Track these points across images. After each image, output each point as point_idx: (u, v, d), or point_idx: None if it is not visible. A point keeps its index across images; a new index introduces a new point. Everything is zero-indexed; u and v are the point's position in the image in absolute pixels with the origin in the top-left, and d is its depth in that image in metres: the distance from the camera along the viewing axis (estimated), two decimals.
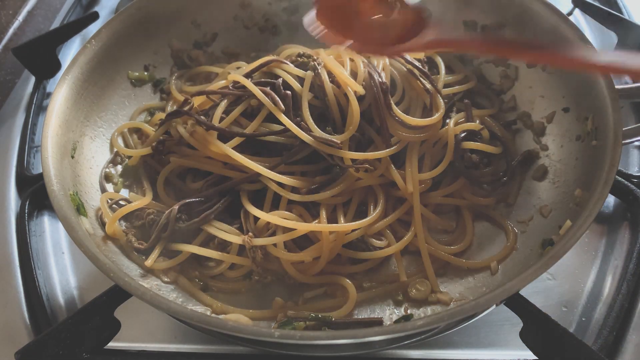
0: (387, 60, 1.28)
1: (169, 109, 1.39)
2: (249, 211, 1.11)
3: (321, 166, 1.17)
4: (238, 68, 1.34)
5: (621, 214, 1.24)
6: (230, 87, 1.23)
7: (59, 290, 1.18)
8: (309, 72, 1.20)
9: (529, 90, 1.35)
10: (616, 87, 1.10)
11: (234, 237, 1.09)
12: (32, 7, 1.81)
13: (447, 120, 1.25)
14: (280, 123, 1.15)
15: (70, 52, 1.73)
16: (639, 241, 1.16)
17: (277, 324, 1.04)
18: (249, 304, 1.09)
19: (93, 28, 1.64)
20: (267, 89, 1.18)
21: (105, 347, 1.02)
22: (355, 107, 1.17)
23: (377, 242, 1.14)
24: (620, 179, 1.22)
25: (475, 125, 1.24)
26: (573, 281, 1.14)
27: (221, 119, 1.18)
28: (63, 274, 1.22)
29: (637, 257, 1.13)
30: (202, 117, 1.19)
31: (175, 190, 1.23)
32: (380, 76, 1.22)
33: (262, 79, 1.22)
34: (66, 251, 1.26)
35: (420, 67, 1.29)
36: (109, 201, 1.17)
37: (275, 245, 1.09)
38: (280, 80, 1.20)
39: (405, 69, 1.28)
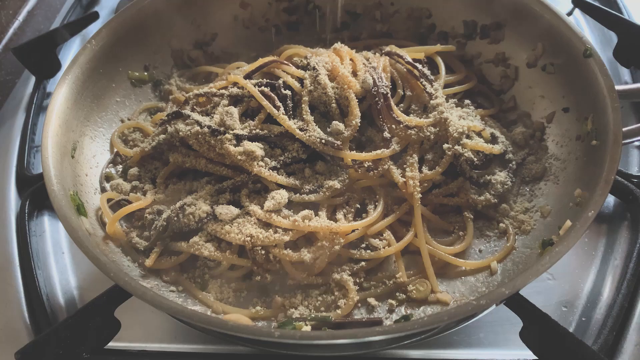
0: (387, 60, 1.28)
1: (169, 109, 1.39)
2: (249, 211, 1.11)
3: (321, 166, 1.17)
4: (238, 68, 1.34)
5: (621, 214, 1.24)
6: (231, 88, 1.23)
7: (59, 290, 1.18)
8: (309, 72, 1.20)
9: (529, 90, 1.35)
10: (616, 87, 1.10)
11: (234, 237, 1.09)
12: (32, 7, 1.81)
13: (448, 121, 1.25)
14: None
15: (70, 52, 1.73)
16: (639, 241, 1.16)
17: (277, 324, 1.04)
18: (249, 304, 1.09)
19: (93, 28, 1.65)
20: (267, 89, 1.18)
21: (105, 347, 1.02)
22: (355, 107, 1.18)
23: (377, 243, 1.14)
24: (620, 179, 1.22)
25: (475, 125, 1.24)
26: (573, 281, 1.14)
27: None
28: (63, 274, 1.22)
29: (637, 257, 1.13)
30: (202, 118, 1.19)
31: (176, 190, 1.23)
32: (380, 77, 1.22)
33: (263, 80, 1.22)
34: (66, 251, 1.26)
35: (420, 67, 1.29)
36: (109, 201, 1.16)
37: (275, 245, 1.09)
38: (280, 81, 1.20)
39: (405, 70, 1.28)
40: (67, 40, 1.67)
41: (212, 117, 1.19)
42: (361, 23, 1.56)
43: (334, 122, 1.18)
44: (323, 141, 1.14)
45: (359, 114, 1.18)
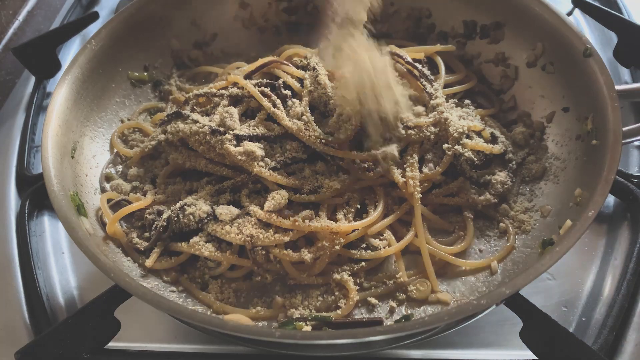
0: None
1: (169, 109, 1.39)
2: (250, 211, 1.11)
3: (321, 166, 1.17)
4: (238, 68, 1.34)
5: (621, 214, 1.24)
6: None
7: (59, 290, 1.18)
8: (309, 72, 1.20)
9: (529, 90, 1.35)
10: (616, 87, 1.10)
11: (234, 238, 1.09)
12: (32, 7, 1.81)
13: (448, 121, 1.25)
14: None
15: (70, 52, 1.72)
16: (639, 241, 1.16)
17: (277, 324, 1.04)
18: (250, 304, 1.09)
19: (93, 28, 1.64)
20: (267, 89, 1.18)
21: (105, 347, 1.02)
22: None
23: (377, 243, 1.14)
24: (620, 179, 1.22)
25: (475, 125, 1.24)
26: (573, 281, 1.14)
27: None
28: (63, 274, 1.22)
29: (637, 257, 1.13)
30: (202, 118, 1.19)
31: (176, 191, 1.23)
32: None
33: (262, 80, 1.22)
34: (66, 251, 1.26)
35: (420, 67, 1.29)
36: (109, 201, 1.16)
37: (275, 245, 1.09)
38: (280, 81, 1.20)
39: (405, 70, 1.28)
40: (67, 40, 1.67)
41: (212, 117, 1.19)
42: None
43: (332, 119, 1.18)
44: (323, 141, 1.14)
45: (359, 114, 1.18)
